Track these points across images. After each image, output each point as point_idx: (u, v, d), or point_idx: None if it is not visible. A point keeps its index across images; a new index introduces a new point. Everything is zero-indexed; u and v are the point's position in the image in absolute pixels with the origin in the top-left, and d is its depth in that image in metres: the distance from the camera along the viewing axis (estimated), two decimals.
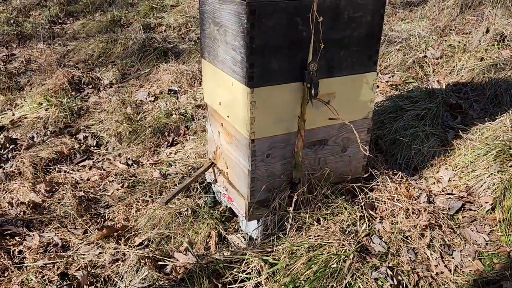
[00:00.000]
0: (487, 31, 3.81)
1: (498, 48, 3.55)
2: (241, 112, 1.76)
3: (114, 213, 2.26)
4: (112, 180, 2.52)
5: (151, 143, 2.90)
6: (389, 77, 3.57)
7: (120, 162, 2.73)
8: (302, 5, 1.63)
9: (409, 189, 2.16)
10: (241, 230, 2.11)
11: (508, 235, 1.98)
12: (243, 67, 1.66)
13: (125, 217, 2.22)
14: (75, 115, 3.29)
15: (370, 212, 2.04)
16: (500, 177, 2.19)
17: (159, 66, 3.97)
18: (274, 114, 1.76)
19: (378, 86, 3.44)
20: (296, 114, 1.80)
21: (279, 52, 1.67)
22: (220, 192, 2.20)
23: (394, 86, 3.41)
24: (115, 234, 2.07)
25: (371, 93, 1.94)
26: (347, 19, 1.74)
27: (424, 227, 1.94)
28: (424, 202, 2.11)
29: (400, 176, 2.18)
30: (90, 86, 3.81)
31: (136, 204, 2.28)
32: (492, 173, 2.23)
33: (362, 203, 2.03)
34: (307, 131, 1.86)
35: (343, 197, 2.01)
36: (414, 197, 2.13)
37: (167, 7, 5.94)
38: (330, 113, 1.86)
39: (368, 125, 2.02)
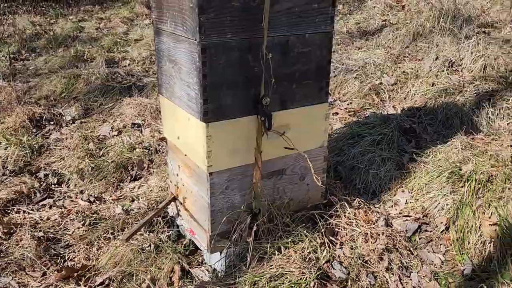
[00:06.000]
0: (437, 57, 4.04)
1: (448, 74, 3.76)
2: (198, 146, 1.80)
3: (75, 253, 2.21)
4: (73, 219, 2.48)
5: (114, 179, 2.87)
6: (348, 104, 3.71)
7: (81, 199, 2.68)
8: (252, 43, 1.70)
9: (368, 213, 2.22)
10: (205, 263, 2.11)
11: (462, 253, 2.06)
12: (197, 103, 1.71)
13: (86, 256, 2.17)
14: (35, 153, 3.23)
15: (331, 238, 2.08)
16: (453, 197, 2.29)
17: (122, 100, 3.97)
18: (231, 147, 1.80)
19: (337, 113, 3.56)
20: (252, 146, 1.85)
21: (233, 88, 1.73)
22: (183, 226, 2.19)
23: (352, 113, 3.54)
24: (75, 274, 2.02)
25: (324, 123, 2.02)
26: (297, 55, 1.83)
27: (382, 250, 1.99)
28: (382, 225, 2.17)
29: (358, 202, 2.25)
30: (52, 123, 3.76)
31: (98, 242, 2.24)
32: (445, 194, 2.33)
33: (323, 230, 2.07)
34: (264, 162, 1.91)
35: (304, 224, 2.05)
36: (372, 221, 2.19)
37: (131, 41, 5.99)
38: (286, 144, 1.92)
39: (323, 153, 2.09)
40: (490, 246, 2.02)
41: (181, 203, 2.16)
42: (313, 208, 2.15)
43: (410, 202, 2.44)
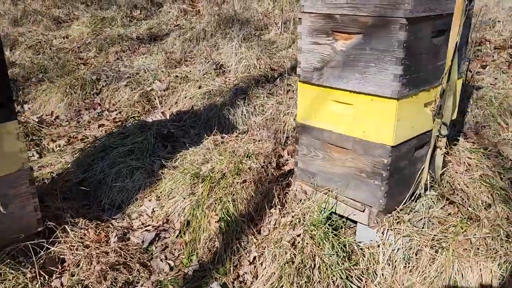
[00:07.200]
0: (207, 61, 4.17)
1: (215, 76, 3.90)
2: None
3: None
4: None
5: None
6: (116, 114, 3.54)
7: None
8: None
9: (99, 232, 2.08)
10: None
11: (191, 255, 2.06)
12: None
13: None
14: None
15: (51, 268, 1.87)
16: (190, 199, 2.30)
17: None
18: None
19: (103, 125, 3.37)
20: None
21: None
22: None
23: (119, 123, 3.38)
24: None
25: (18, 143, 1.79)
26: None
27: (107, 270, 1.86)
28: (114, 242, 2.05)
29: (84, 222, 2.08)
30: None
31: None
32: (185, 197, 2.33)
33: (40, 261, 1.84)
34: None
35: (11, 260, 1.79)
36: (105, 239, 2.05)
37: None
38: None
39: (28, 176, 1.86)
40: (216, 242, 2.06)
41: None
42: (28, 239, 1.90)
43: (156, 210, 2.38)
